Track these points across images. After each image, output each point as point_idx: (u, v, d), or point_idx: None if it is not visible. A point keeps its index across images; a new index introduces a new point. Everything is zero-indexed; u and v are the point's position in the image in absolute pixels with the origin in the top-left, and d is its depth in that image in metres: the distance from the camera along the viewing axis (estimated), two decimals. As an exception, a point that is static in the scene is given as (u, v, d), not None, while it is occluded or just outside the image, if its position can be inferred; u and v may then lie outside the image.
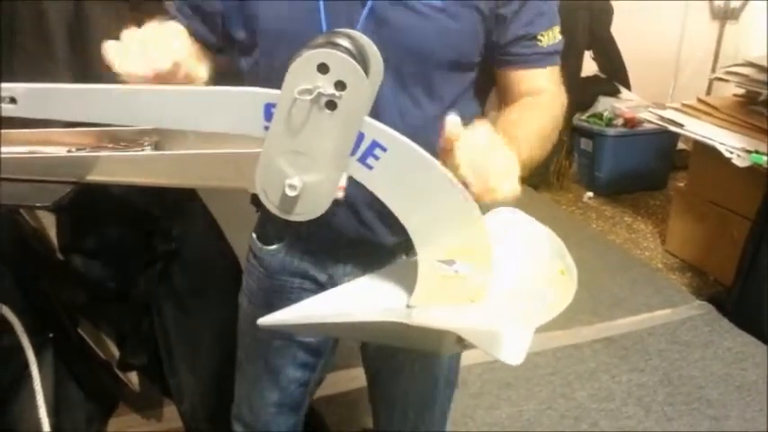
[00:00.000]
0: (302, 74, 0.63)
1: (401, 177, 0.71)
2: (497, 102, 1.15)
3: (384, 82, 0.95)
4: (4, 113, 0.70)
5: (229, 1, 1.04)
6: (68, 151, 0.79)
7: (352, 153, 0.70)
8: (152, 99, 0.71)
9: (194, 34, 1.05)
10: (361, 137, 0.69)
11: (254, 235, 1.27)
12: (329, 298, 0.83)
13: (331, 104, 0.65)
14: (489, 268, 0.77)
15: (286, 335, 1.28)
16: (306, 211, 0.72)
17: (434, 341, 0.79)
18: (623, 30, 4.28)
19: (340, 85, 0.64)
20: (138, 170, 0.79)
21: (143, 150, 0.81)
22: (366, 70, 0.69)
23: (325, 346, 1.32)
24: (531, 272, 0.81)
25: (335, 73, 0.63)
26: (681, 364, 2.59)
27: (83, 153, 0.79)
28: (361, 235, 1.13)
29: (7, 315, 1.12)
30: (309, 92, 0.64)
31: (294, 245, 1.21)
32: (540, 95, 1.07)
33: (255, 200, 1.22)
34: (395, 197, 0.72)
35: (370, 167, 0.70)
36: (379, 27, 0.99)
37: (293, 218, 0.73)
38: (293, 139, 0.67)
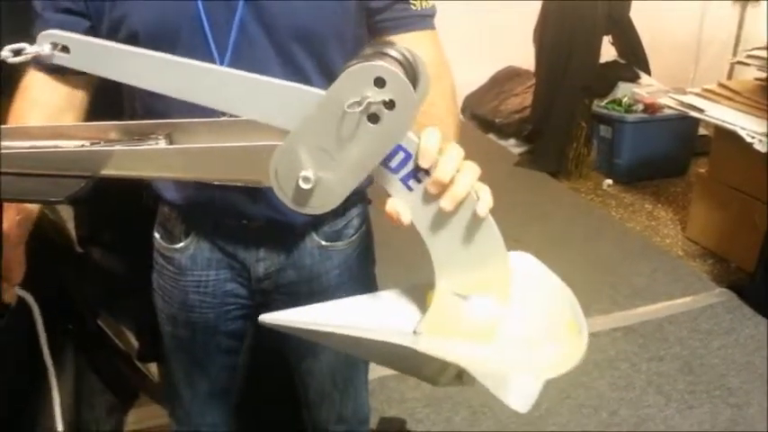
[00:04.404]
0: (357, 80, 0.63)
1: (438, 205, 0.70)
2: None
3: (274, 67, 0.98)
4: (57, 61, 0.71)
5: (96, 2, 1.03)
6: (81, 146, 0.79)
7: (395, 171, 0.69)
8: (203, 75, 0.71)
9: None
10: (408, 157, 0.69)
11: (156, 235, 1.26)
12: (336, 308, 0.83)
13: (374, 118, 0.64)
14: (503, 310, 0.76)
15: (209, 328, 1.27)
16: (315, 206, 0.72)
17: (435, 371, 0.78)
18: (643, 14, 4.23)
19: (390, 104, 0.63)
20: (151, 164, 0.79)
21: (156, 144, 0.81)
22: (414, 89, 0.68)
23: (247, 329, 1.32)
24: (540, 322, 0.79)
25: (389, 91, 0.63)
26: (702, 352, 2.57)
27: (96, 147, 0.78)
28: (269, 218, 1.13)
29: (28, 300, 1.15)
30: (359, 103, 0.63)
31: (202, 238, 1.20)
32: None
33: (150, 200, 1.21)
34: (428, 223, 0.72)
35: (410, 189, 0.70)
36: (257, 12, 1.00)
37: (307, 210, 0.73)
38: (325, 135, 0.66)
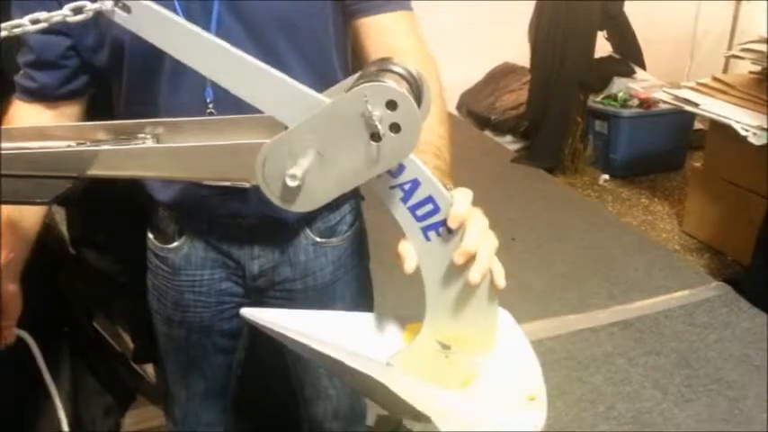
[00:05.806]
0: (370, 96, 0.62)
1: (450, 261, 0.71)
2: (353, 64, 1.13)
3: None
4: (117, 19, 0.70)
5: (84, 32, 1.03)
6: (68, 146, 0.79)
7: (419, 220, 0.70)
8: (240, 65, 0.71)
9: (41, 91, 1.09)
10: (435, 210, 0.69)
11: (150, 235, 1.26)
12: (316, 319, 0.83)
13: (377, 137, 0.64)
14: (478, 370, 0.77)
15: (204, 328, 1.28)
16: (300, 205, 0.72)
17: (397, 405, 0.77)
18: (637, 9, 4.24)
19: (395, 128, 0.63)
20: (138, 163, 0.79)
21: (143, 143, 0.81)
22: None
23: (242, 327, 1.32)
24: (506, 386, 0.79)
25: (399, 116, 0.62)
26: (698, 345, 2.57)
27: (82, 147, 0.78)
28: (262, 215, 1.13)
29: (25, 338, 1.16)
30: (367, 121, 0.63)
31: (196, 238, 1.20)
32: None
33: (145, 199, 1.20)
34: (435, 276, 0.73)
35: (427, 239, 0.71)
36: (234, 8, 1.00)
37: (292, 208, 0.72)
38: (324, 140, 0.66)
